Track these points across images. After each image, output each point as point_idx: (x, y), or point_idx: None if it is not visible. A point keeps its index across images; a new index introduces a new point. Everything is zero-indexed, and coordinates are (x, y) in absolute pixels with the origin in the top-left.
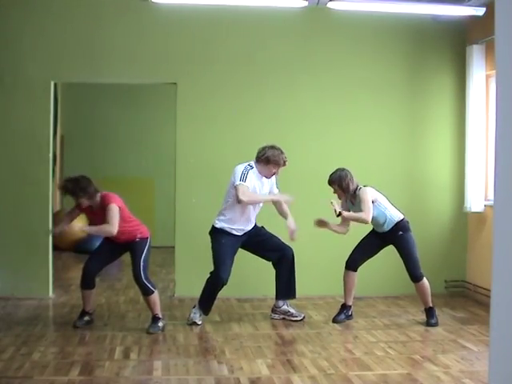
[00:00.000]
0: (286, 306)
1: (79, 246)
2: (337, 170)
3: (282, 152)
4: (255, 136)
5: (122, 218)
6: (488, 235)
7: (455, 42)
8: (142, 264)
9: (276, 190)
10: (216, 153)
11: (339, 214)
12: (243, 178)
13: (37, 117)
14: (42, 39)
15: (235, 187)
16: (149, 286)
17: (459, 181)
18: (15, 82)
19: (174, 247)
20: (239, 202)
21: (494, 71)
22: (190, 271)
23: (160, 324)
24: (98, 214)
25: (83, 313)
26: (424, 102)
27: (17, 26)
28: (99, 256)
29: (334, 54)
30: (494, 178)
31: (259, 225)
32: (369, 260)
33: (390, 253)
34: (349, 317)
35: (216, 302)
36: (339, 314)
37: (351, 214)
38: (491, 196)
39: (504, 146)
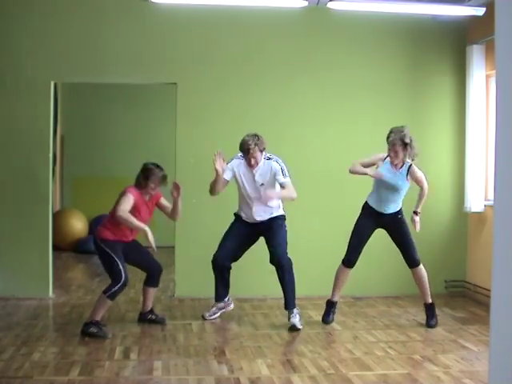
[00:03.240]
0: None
1: (79, 246)
2: (401, 128)
3: (247, 138)
4: None
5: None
6: (488, 235)
7: (455, 42)
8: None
9: (283, 179)
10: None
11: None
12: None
13: (37, 117)
14: (43, 39)
15: None
16: None
17: (459, 181)
18: (16, 82)
19: (174, 247)
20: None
21: (494, 71)
22: (190, 271)
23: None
24: (148, 205)
25: (100, 321)
26: (424, 101)
27: (17, 27)
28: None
29: (333, 53)
30: (494, 178)
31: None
32: (368, 258)
33: (390, 253)
34: (334, 313)
35: None
36: (328, 314)
37: (422, 202)
38: (491, 196)
39: (504, 146)
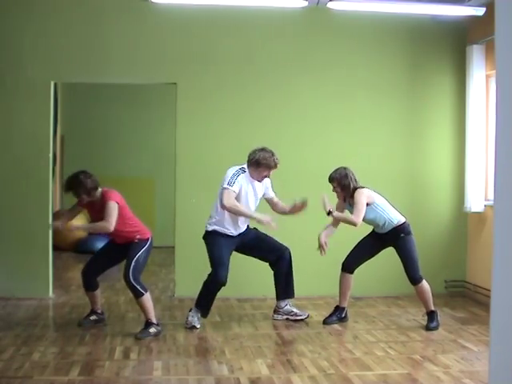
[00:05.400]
0: (288, 306)
1: (79, 246)
2: (338, 168)
3: (272, 154)
4: (255, 136)
5: (122, 216)
6: (488, 235)
7: (455, 42)
8: (132, 264)
9: (272, 194)
10: (216, 153)
11: (329, 213)
12: (231, 182)
13: (37, 117)
14: (43, 39)
15: (222, 190)
16: (137, 287)
17: (459, 181)
18: (15, 82)
19: (174, 247)
20: (222, 206)
21: (494, 71)
22: (190, 271)
23: (152, 330)
24: (99, 211)
25: (91, 312)
26: (424, 101)
27: (17, 27)
28: (98, 258)
29: (333, 53)
30: (494, 178)
31: (251, 227)
32: (368, 261)
33: (390, 253)
34: (342, 319)
35: (216, 302)
36: (331, 315)
37: (341, 214)
38: (491, 196)
39: (504, 146)
